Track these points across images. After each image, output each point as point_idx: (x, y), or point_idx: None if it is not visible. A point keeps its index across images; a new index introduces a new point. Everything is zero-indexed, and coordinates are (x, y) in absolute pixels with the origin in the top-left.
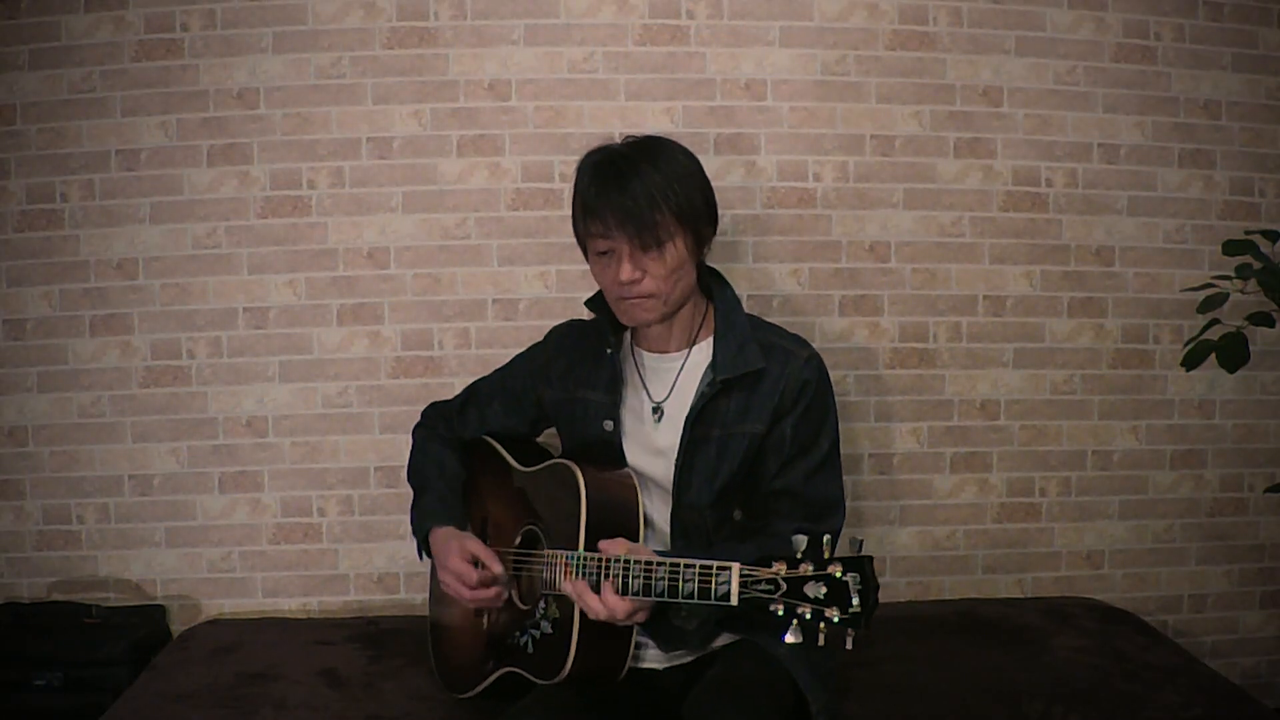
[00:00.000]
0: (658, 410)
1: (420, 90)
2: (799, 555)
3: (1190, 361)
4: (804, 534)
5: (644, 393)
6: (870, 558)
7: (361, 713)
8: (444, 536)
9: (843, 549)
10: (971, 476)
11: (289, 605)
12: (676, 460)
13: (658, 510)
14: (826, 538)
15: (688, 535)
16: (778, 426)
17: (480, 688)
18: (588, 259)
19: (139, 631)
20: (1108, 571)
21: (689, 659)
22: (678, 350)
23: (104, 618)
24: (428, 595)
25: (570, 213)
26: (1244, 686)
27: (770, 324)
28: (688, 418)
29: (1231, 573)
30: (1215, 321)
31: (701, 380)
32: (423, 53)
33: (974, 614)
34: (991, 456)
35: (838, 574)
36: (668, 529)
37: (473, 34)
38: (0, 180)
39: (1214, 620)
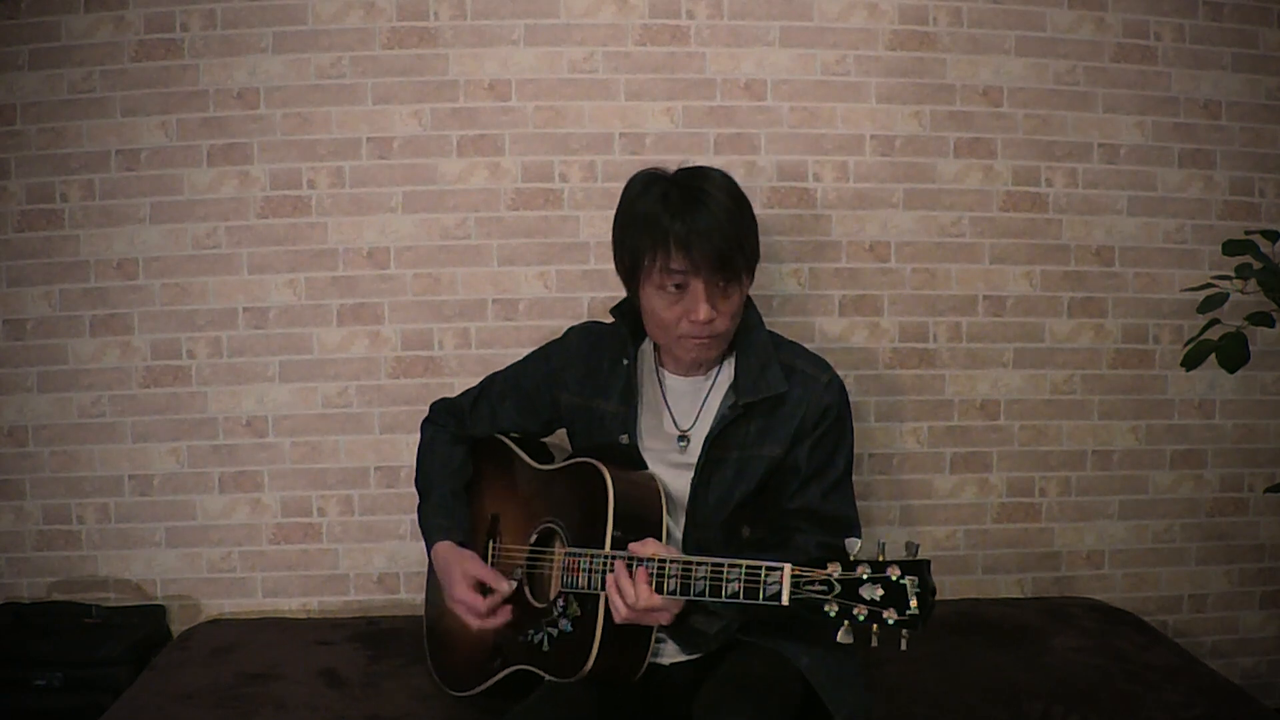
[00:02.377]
0: (683, 439)
1: (420, 90)
2: (853, 557)
3: (1190, 361)
4: (825, 549)
5: (668, 416)
6: (928, 561)
7: (361, 713)
8: (445, 559)
9: (898, 552)
10: (971, 476)
11: (289, 605)
12: (693, 479)
13: (672, 523)
14: (881, 541)
15: (699, 550)
16: (795, 449)
17: (485, 685)
18: (638, 286)
19: (139, 631)
20: (1108, 571)
21: (698, 655)
22: (704, 374)
23: (104, 618)
24: (425, 594)
25: (615, 237)
26: (1244, 686)
27: (791, 343)
28: (707, 438)
29: (1231, 573)
30: (1215, 321)
31: (723, 402)
32: (423, 53)
33: (974, 614)
34: (991, 456)
35: (896, 576)
36: (680, 542)
37: (473, 34)
38: (0, 180)
39: (1214, 620)
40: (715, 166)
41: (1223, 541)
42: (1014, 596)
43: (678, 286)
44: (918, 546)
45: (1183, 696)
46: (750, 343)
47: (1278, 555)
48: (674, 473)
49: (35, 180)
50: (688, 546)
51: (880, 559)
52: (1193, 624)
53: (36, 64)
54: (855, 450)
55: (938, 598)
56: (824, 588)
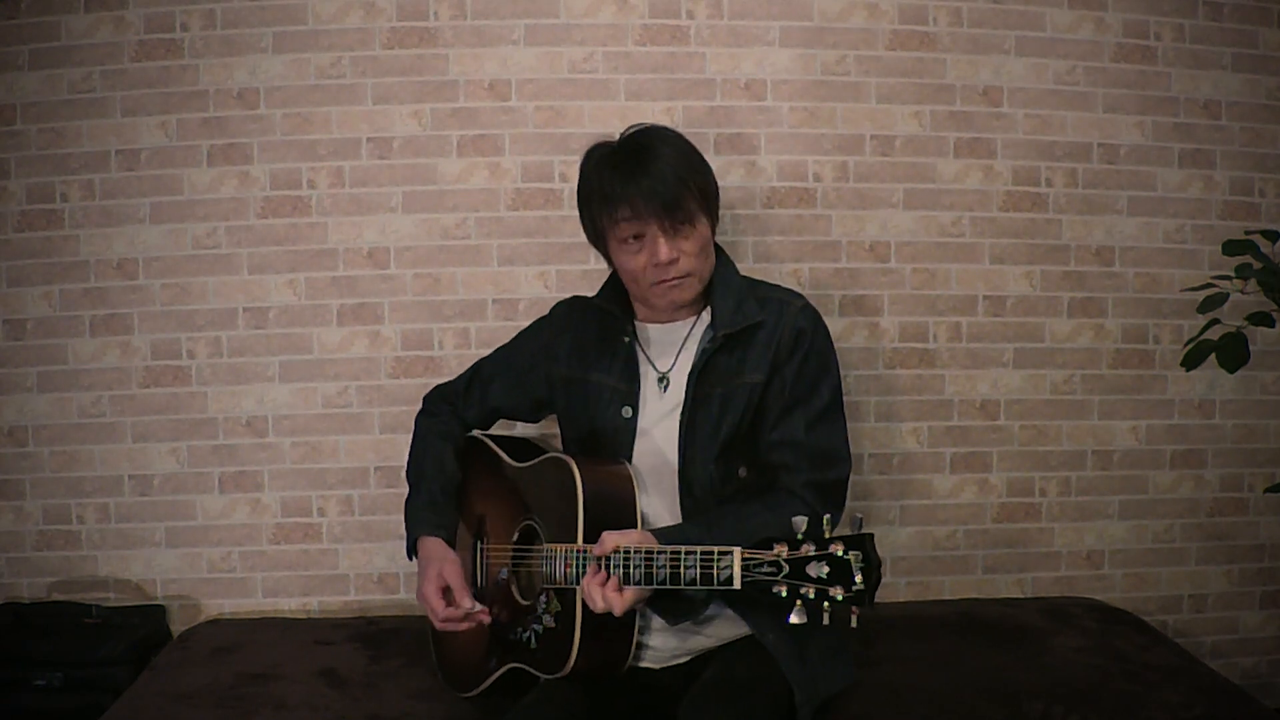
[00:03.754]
0: (663, 380)
1: (420, 90)
2: (800, 536)
3: (1190, 361)
4: (812, 486)
5: (649, 365)
6: (871, 535)
7: (361, 713)
8: (426, 555)
9: (844, 528)
10: (971, 476)
11: (289, 605)
12: (681, 418)
13: (665, 471)
14: (827, 517)
15: (694, 495)
16: (777, 376)
17: (484, 685)
18: (607, 252)
19: (139, 631)
20: (1108, 571)
21: (686, 659)
22: (683, 320)
23: (104, 618)
24: None
25: (579, 211)
26: (1244, 686)
27: (767, 282)
28: (690, 374)
29: (1231, 573)
30: (1215, 321)
31: (702, 339)
32: (423, 53)
33: (974, 614)
34: (991, 456)
35: (840, 553)
36: (675, 489)
37: (473, 34)
38: (0, 180)
39: (1214, 620)
40: (667, 126)
41: (1223, 541)
42: (1014, 596)
43: (635, 237)
44: (861, 520)
45: (1183, 696)
46: (726, 287)
47: (1278, 555)
48: (663, 423)
49: (35, 180)
50: (681, 492)
51: (826, 535)
52: (1193, 624)
53: (36, 64)
54: (856, 450)
55: (938, 597)
56: (773, 569)
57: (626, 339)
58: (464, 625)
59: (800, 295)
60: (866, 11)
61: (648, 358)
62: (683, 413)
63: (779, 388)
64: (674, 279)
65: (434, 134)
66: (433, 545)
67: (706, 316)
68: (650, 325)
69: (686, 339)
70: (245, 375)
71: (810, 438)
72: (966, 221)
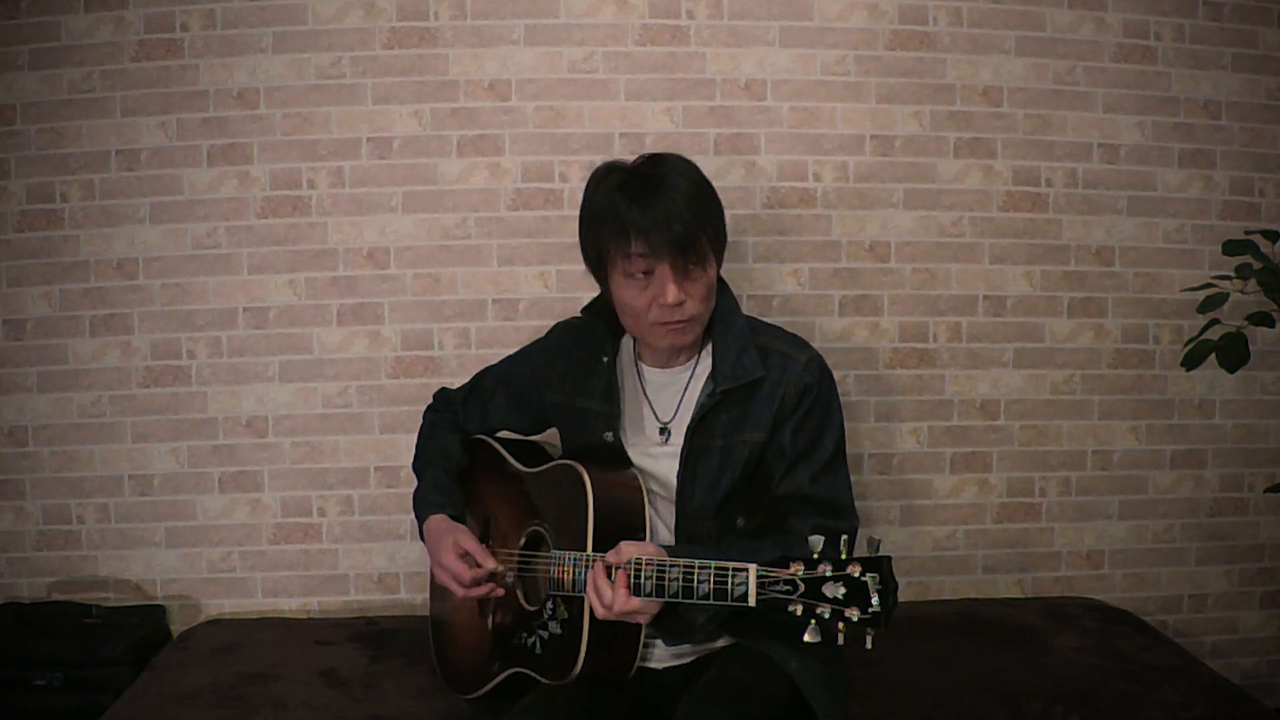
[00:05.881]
0: (664, 431)
1: (420, 90)
2: (816, 556)
3: (1190, 361)
4: (821, 532)
5: (649, 410)
6: (889, 558)
7: (361, 713)
8: (437, 528)
9: (860, 549)
10: (971, 476)
11: (289, 605)
12: (679, 471)
13: (662, 518)
14: (844, 538)
15: (692, 543)
16: (778, 433)
17: (486, 689)
18: (607, 279)
19: (139, 631)
20: (1108, 571)
21: (689, 659)
22: (683, 364)
23: (104, 618)
24: (428, 594)
25: (581, 232)
26: (1244, 686)
27: (769, 325)
28: (689, 427)
29: (1231, 573)
30: (1215, 321)
31: (701, 391)
32: (423, 53)
33: (974, 614)
34: (991, 456)
35: (857, 574)
36: (672, 537)
37: (473, 34)
38: (0, 180)
39: (1214, 620)
40: (684, 157)
41: (1223, 541)
42: (1014, 596)
43: (645, 273)
44: (880, 543)
45: (1183, 696)
46: (727, 329)
47: (1278, 555)
48: (660, 466)
49: (35, 180)
50: (679, 540)
51: (842, 557)
52: (1193, 624)
53: (36, 64)
54: (856, 450)
55: (938, 598)
56: (789, 587)
57: (605, 359)
58: (485, 589)
59: (806, 346)
60: (866, 11)
61: (650, 404)
62: (681, 466)
63: (779, 445)
64: (678, 322)
65: (434, 134)
66: (440, 522)
67: (707, 360)
68: (651, 369)
69: (687, 387)
70: (245, 375)
71: (815, 489)
72: (966, 221)
